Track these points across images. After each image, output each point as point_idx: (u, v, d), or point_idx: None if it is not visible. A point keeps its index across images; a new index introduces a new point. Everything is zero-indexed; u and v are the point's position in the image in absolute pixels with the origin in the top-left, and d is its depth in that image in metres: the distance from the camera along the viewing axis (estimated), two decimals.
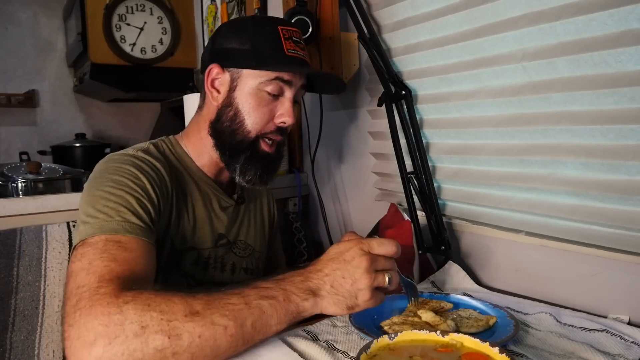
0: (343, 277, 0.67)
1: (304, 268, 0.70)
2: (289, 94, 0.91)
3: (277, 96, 0.90)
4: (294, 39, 0.91)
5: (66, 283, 0.67)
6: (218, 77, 0.92)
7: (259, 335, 0.64)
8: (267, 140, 0.92)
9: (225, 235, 0.98)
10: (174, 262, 0.89)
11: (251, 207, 1.08)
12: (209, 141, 0.94)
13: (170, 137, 0.99)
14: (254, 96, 0.89)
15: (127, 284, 0.64)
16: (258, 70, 0.88)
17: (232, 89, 0.91)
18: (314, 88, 1.04)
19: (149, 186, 0.81)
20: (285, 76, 0.89)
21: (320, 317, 0.80)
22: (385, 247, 0.70)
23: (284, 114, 0.91)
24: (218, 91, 0.93)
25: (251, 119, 0.90)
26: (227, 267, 0.97)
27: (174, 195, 0.88)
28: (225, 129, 0.91)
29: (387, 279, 0.69)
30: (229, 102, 0.91)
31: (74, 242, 0.73)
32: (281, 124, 0.91)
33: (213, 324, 0.60)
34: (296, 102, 0.94)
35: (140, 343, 0.57)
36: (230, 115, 0.91)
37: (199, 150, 0.96)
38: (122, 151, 0.89)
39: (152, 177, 0.83)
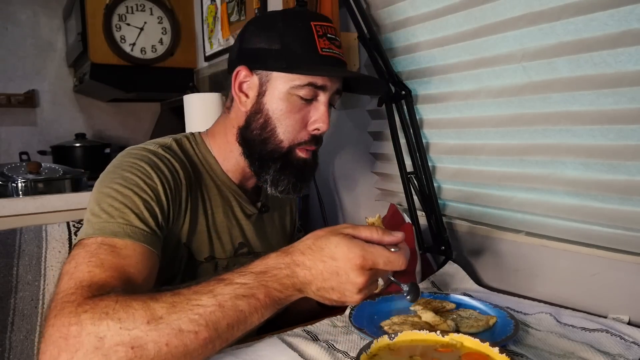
0: (332, 288, 0.60)
1: (290, 250, 0.63)
2: (323, 98, 0.83)
3: (310, 100, 0.83)
4: (328, 35, 0.82)
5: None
6: (246, 80, 0.85)
7: (238, 333, 0.59)
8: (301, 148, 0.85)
9: (246, 244, 0.93)
10: (191, 271, 0.84)
11: (275, 216, 1.02)
12: (236, 147, 0.88)
13: (195, 133, 0.92)
14: (285, 101, 0.82)
15: (104, 291, 0.59)
16: (289, 73, 0.81)
17: (261, 93, 0.84)
18: (352, 89, 0.94)
19: (160, 188, 0.76)
20: (319, 81, 0.81)
21: (320, 317, 0.80)
22: (393, 264, 0.60)
23: (318, 120, 0.83)
24: (247, 95, 0.85)
25: (282, 127, 0.83)
26: None
27: (189, 201, 0.82)
28: (255, 137, 0.85)
29: (380, 284, 0.62)
30: (258, 109, 0.84)
31: (77, 237, 0.70)
32: (315, 132, 0.84)
33: (181, 332, 0.55)
34: (332, 105, 0.87)
35: (102, 356, 0.53)
36: (260, 123, 0.84)
37: (225, 154, 0.90)
38: (141, 145, 0.83)
39: (167, 178, 0.78)
